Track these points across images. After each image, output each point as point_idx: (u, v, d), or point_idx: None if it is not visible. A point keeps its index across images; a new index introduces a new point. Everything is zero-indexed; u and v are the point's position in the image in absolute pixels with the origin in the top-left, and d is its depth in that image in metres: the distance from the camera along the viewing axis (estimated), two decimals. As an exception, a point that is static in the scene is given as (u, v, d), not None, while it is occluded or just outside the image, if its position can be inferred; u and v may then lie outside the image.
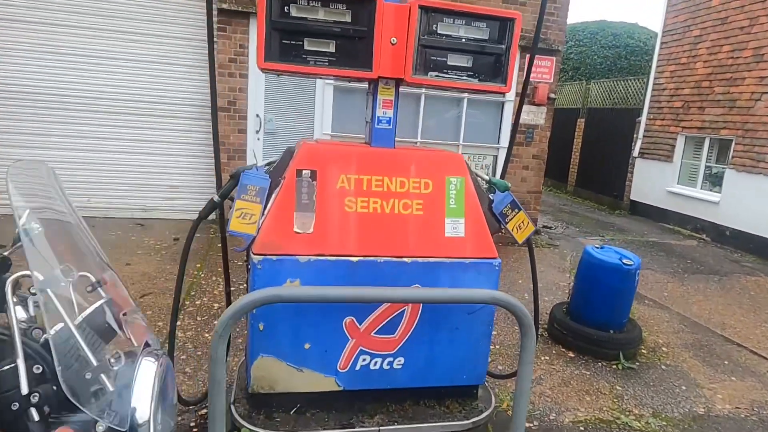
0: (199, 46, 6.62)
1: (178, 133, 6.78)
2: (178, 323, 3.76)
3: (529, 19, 6.60)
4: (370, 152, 2.38)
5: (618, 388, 3.52)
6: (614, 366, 3.79)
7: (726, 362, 4.10)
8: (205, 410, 2.75)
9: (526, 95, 2.96)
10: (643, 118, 10.50)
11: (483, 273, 2.38)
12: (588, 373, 3.68)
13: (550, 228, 8.71)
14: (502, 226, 2.61)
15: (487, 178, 2.68)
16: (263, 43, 2.09)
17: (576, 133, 12.91)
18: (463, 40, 2.27)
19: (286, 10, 2.08)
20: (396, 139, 2.47)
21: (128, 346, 1.17)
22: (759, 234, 7.79)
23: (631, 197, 10.81)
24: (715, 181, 9.05)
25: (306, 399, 2.37)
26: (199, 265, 5.17)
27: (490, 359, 2.76)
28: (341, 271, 2.22)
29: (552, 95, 7.35)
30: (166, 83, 6.64)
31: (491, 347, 2.65)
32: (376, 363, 2.37)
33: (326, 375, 2.33)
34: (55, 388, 1.08)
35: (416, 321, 2.36)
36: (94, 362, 1.06)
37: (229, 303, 2.70)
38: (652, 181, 10.20)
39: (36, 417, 1.07)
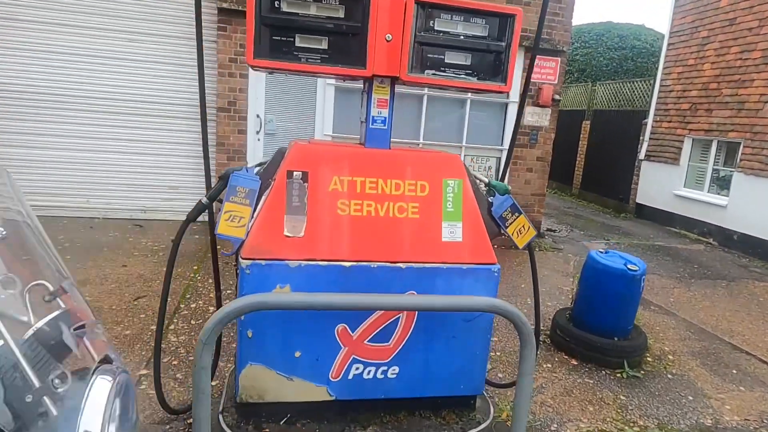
0: (199, 46, 6.56)
1: (178, 134, 6.73)
2: (172, 327, 3.69)
3: (532, 19, 6.50)
4: (365, 153, 2.30)
5: (622, 397, 3.42)
6: (618, 374, 3.69)
7: (734, 371, 3.98)
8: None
9: (529, 96, 2.87)
10: (650, 121, 10.38)
11: (481, 279, 2.30)
12: (591, 381, 3.58)
13: (554, 231, 8.60)
14: (502, 231, 2.52)
15: (486, 180, 2.59)
16: (252, 40, 2.01)
17: (581, 135, 12.79)
18: (462, 37, 2.19)
19: (276, 5, 2.01)
20: (398, 140, 2.40)
21: (85, 362, 1.09)
22: (767, 239, 7.66)
23: (637, 200, 10.68)
24: (722, 184, 8.92)
25: (296, 409, 2.30)
26: (195, 267, 5.11)
27: (489, 366, 2.68)
28: (333, 277, 2.15)
29: (557, 96, 7.24)
30: (167, 83, 6.60)
31: (491, 354, 2.56)
32: (369, 372, 2.29)
33: (317, 384, 2.25)
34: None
35: (411, 329, 2.28)
36: (36, 383, 0.97)
37: (219, 308, 2.62)
38: (659, 184, 10.07)
39: None
